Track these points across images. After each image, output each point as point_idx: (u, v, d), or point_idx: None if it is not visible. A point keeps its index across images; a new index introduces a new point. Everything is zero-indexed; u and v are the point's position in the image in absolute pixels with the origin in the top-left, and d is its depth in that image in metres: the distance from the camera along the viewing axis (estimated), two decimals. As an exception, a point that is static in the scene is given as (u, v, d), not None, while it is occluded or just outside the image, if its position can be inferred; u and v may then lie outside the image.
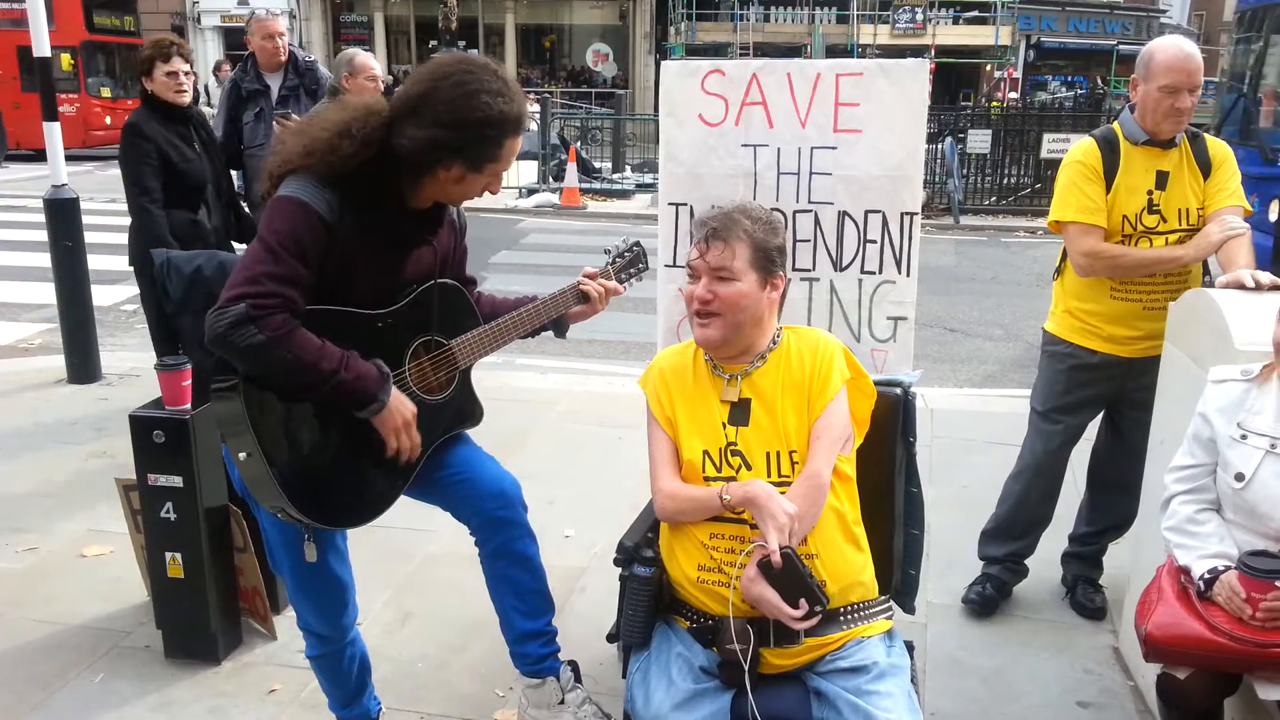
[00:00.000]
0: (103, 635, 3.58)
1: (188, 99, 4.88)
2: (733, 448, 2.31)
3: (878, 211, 3.27)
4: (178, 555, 3.32)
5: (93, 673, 3.37)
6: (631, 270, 2.95)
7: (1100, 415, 3.80)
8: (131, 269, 5.01)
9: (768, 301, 2.35)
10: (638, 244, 3.00)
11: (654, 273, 3.35)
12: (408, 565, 4.09)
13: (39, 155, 20.67)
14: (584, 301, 2.81)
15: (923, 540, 2.60)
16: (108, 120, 22.91)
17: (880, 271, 3.31)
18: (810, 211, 3.31)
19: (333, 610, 2.68)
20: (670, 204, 3.44)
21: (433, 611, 3.77)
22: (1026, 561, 3.91)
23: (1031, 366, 7.44)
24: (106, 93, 23.12)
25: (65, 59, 21.44)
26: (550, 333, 2.87)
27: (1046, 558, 4.14)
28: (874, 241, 3.30)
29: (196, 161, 4.87)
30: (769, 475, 2.26)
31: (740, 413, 2.34)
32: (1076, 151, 3.48)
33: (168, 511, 3.28)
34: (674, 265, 3.43)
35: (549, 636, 2.82)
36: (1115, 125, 3.47)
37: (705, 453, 2.32)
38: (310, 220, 2.25)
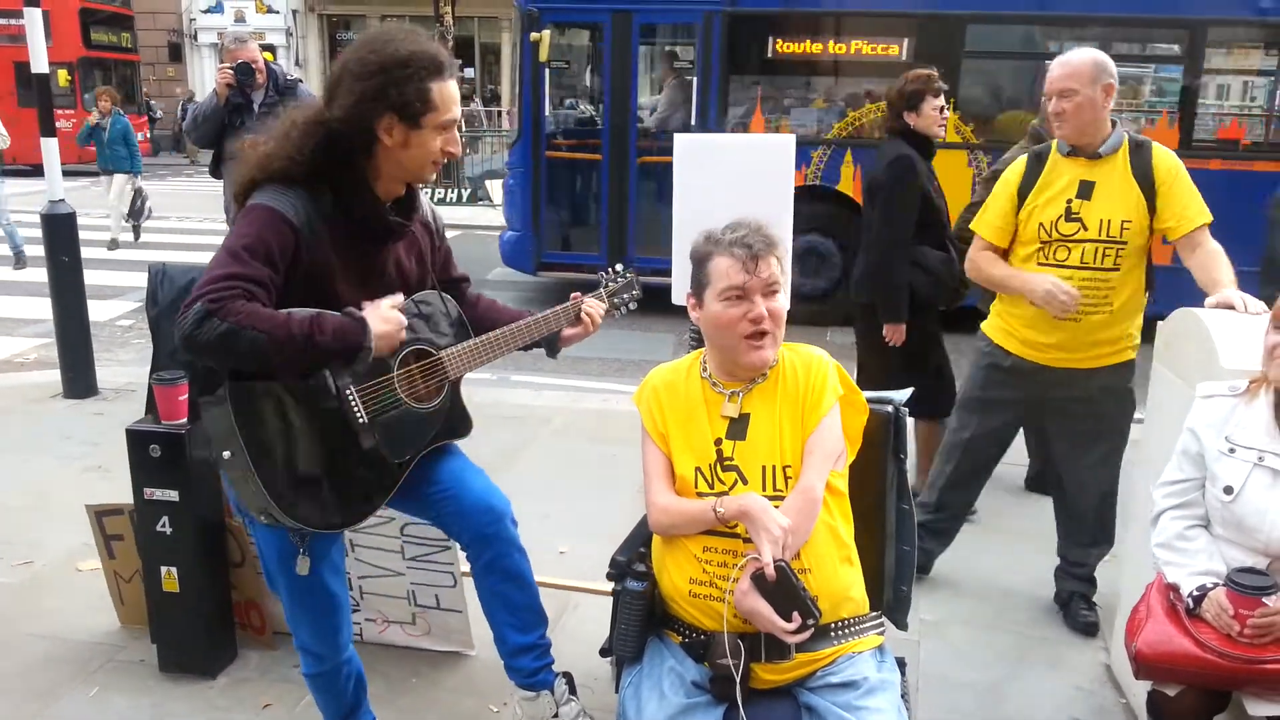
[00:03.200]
0: (97, 649, 3.58)
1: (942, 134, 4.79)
2: (727, 463, 2.32)
3: None
4: (173, 569, 3.33)
5: (87, 687, 3.37)
6: (625, 296, 2.98)
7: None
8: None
9: None
10: (630, 271, 3.03)
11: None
12: (402, 581, 4.09)
13: (34, 170, 20.67)
14: (576, 322, 2.82)
15: (914, 557, 2.62)
16: (104, 136, 22.94)
17: None
18: None
19: (328, 628, 2.68)
20: None
21: (427, 627, 3.77)
22: (1018, 577, 3.93)
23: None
24: (103, 108, 23.17)
25: (62, 75, 21.50)
26: (544, 350, 2.89)
27: (1039, 575, 4.17)
28: None
29: (941, 198, 4.73)
30: (764, 489, 2.28)
31: (739, 428, 2.35)
32: (1008, 168, 3.67)
33: (164, 525, 3.29)
34: None
35: (542, 650, 2.83)
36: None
37: (696, 470, 2.34)
38: (275, 223, 2.27)
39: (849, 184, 9.17)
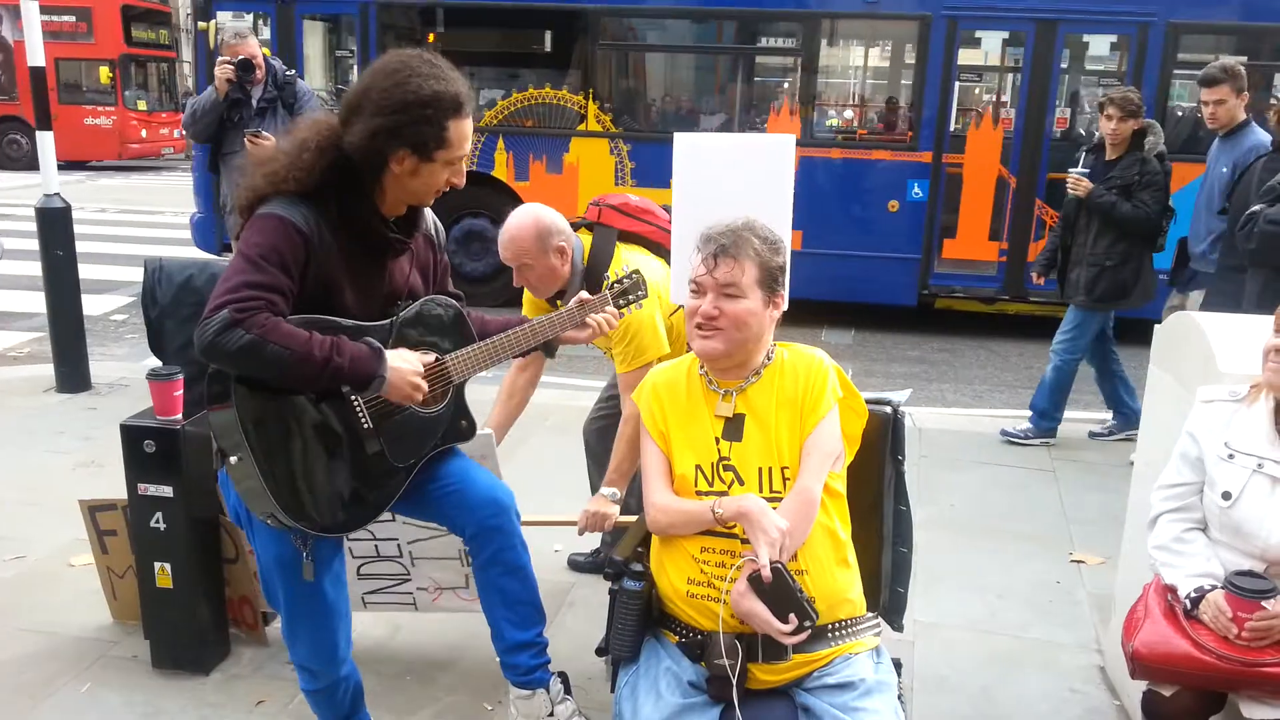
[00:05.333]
0: (90, 645, 3.57)
1: None
2: (725, 462, 2.32)
3: None
4: (166, 565, 3.32)
5: (80, 682, 3.35)
6: (630, 297, 2.96)
7: None
8: None
9: (769, 319, 2.37)
10: (637, 272, 3.02)
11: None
12: (396, 578, 4.08)
13: (71, 166, 20.51)
14: (581, 325, 2.81)
15: (911, 558, 2.62)
16: (143, 133, 22.95)
17: None
18: None
19: (326, 642, 2.67)
20: None
21: (421, 624, 3.76)
22: (1012, 580, 3.92)
23: (1019, 387, 7.50)
24: (143, 106, 23.05)
25: (104, 72, 21.42)
26: (542, 351, 2.90)
27: (1034, 577, 4.17)
28: None
29: None
30: (761, 490, 2.28)
31: (734, 428, 2.35)
32: None
33: (157, 521, 3.28)
34: None
35: (539, 648, 2.82)
36: None
37: (697, 467, 2.34)
38: (287, 231, 2.30)
39: (502, 169, 9.60)
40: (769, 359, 2.41)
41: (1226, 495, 2.50)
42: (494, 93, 9.85)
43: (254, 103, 5.82)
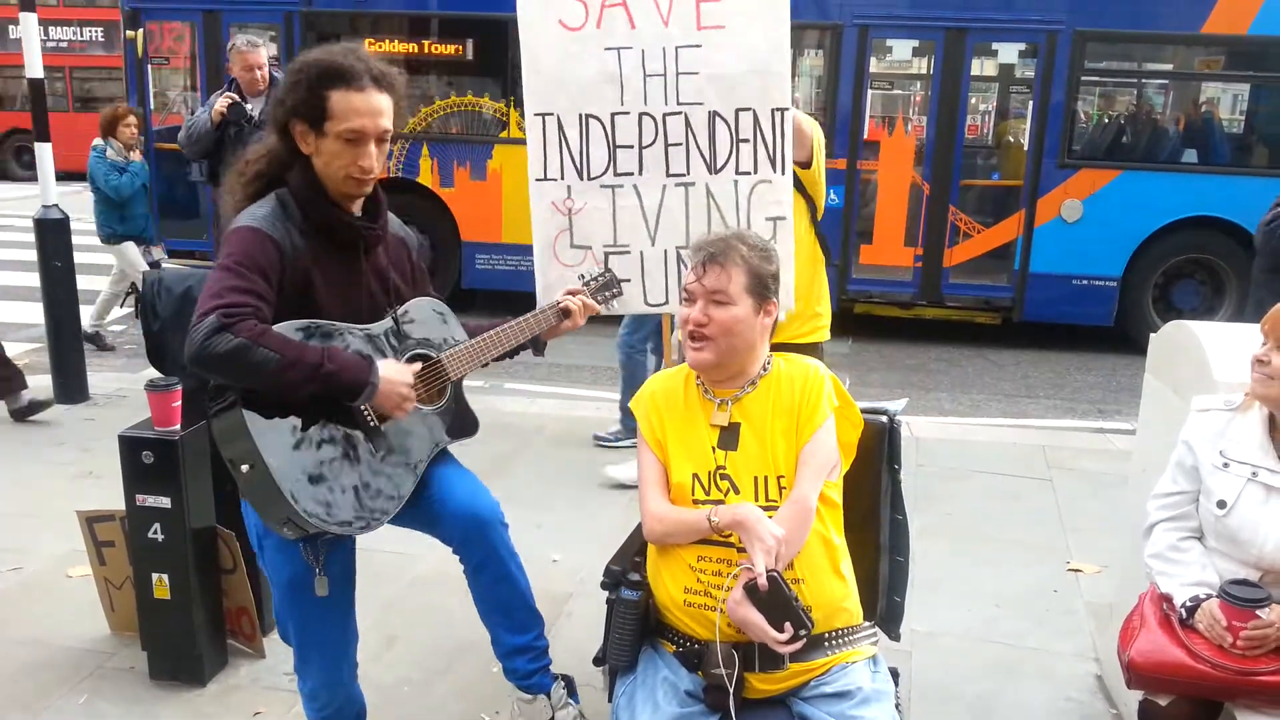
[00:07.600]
0: (87, 656, 3.56)
1: None
2: (721, 471, 2.33)
3: (748, 109, 3.17)
4: (164, 576, 3.32)
5: (77, 694, 3.35)
6: (607, 293, 3.02)
7: None
8: None
9: (761, 327, 2.38)
10: (609, 270, 3.09)
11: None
12: (392, 588, 4.08)
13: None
14: (565, 317, 2.85)
15: (908, 567, 2.62)
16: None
17: (755, 171, 3.21)
18: (680, 113, 3.22)
19: (336, 663, 2.67)
20: (536, 114, 3.34)
21: (418, 634, 3.77)
22: (1009, 588, 3.93)
23: (1017, 397, 7.51)
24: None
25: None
26: (536, 357, 2.95)
27: (1031, 586, 4.17)
28: (746, 140, 3.21)
29: None
30: (757, 500, 2.28)
31: (730, 437, 2.36)
32: None
33: (155, 532, 3.29)
34: (544, 179, 3.36)
35: (537, 652, 2.83)
36: None
37: (694, 476, 2.34)
38: (260, 240, 2.33)
39: (428, 176, 9.67)
40: (765, 369, 2.42)
41: (1221, 504, 2.51)
42: (418, 100, 10.00)
43: (257, 115, 5.88)
